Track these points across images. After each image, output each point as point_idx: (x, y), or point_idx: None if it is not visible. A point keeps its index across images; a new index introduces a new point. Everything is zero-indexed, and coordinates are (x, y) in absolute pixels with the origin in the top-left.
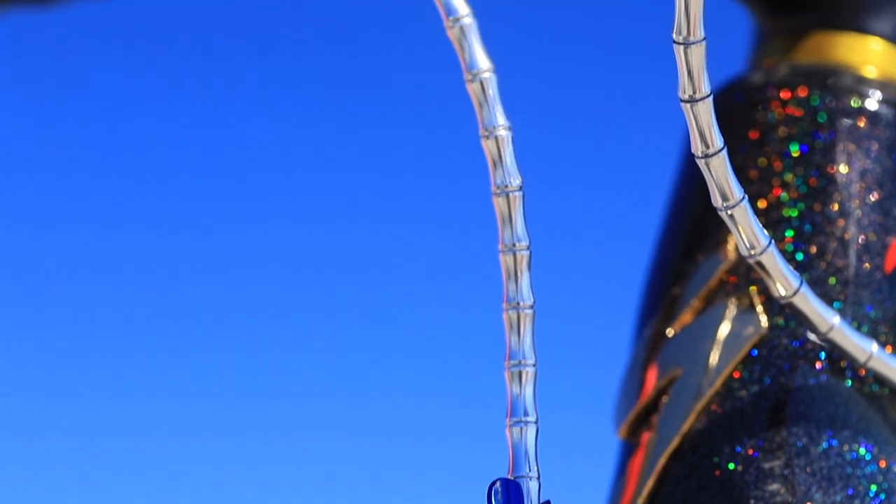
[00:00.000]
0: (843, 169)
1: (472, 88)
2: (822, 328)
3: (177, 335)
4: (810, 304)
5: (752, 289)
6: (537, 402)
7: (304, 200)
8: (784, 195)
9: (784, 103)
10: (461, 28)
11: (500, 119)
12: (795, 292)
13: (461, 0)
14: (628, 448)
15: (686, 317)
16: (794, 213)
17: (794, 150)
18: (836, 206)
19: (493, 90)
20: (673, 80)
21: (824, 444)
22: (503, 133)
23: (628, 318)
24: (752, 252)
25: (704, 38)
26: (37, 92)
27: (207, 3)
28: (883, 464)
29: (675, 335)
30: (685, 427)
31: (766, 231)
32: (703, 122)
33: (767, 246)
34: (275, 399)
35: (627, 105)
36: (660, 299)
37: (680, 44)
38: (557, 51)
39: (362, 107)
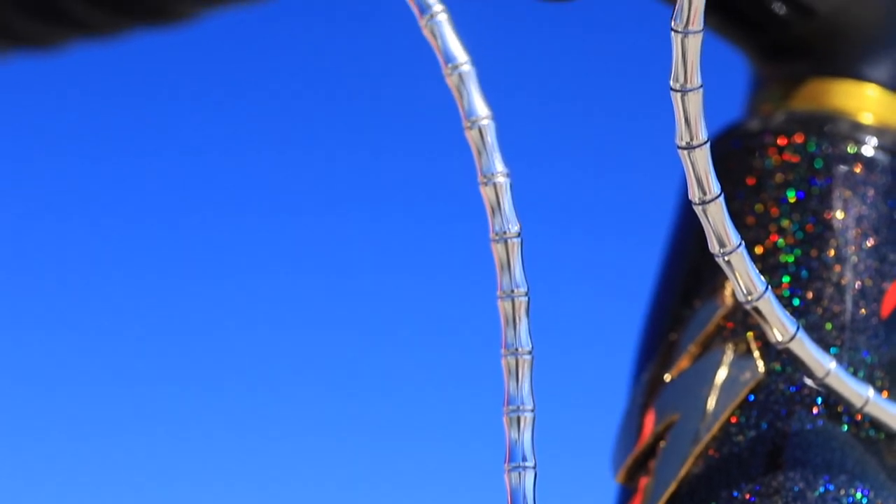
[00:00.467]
0: (839, 215)
1: (471, 135)
2: (819, 373)
3: (176, 336)
4: (807, 349)
5: (749, 334)
6: (536, 448)
7: (305, 243)
8: (781, 241)
9: (781, 150)
10: (460, 75)
11: (499, 166)
12: (792, 338)
13: (459, 47)
14: (626, 493)
15: (683, 362)
16: (791, 259)
17: (791, 197)
18: (832, 252)
19: (491, 137)
20: (670, 125)
21: (821, 489)
22: (501, 180)
23: (626, 364)
24: (749, 298)
25: (701, 86)
26: (38, 132)
27: (207, 47)
28: None
29: (672, 380)
30: (682, 472)
31: (762, 277)
32: (701, 169)
33: (764, 292)
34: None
35: (625, 151)
36: (657, 345)
37: (677, 91)
38: (556, 96)
39: (360, 150)
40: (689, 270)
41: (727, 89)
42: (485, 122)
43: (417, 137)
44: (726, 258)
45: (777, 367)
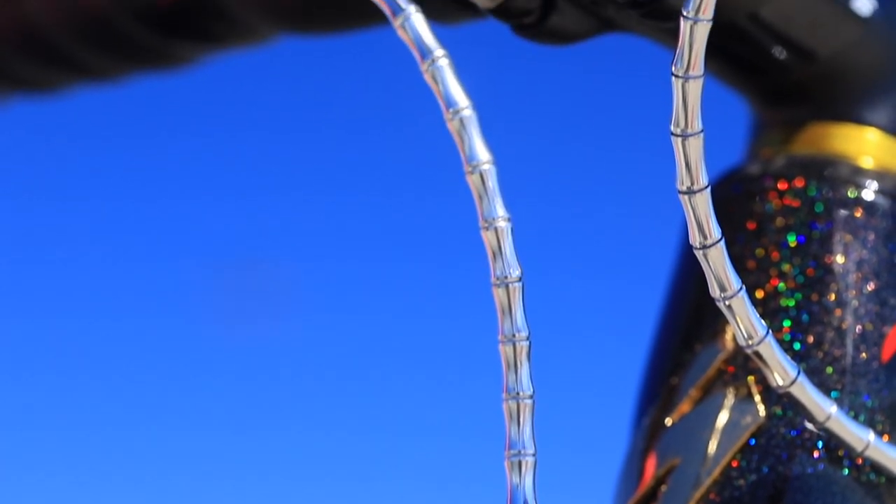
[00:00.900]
0: (839, 259)
1: (472, 180)
2: (820, 417)
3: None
4: (808, 393)
5: (750, 378)
6: (537, 492)
7: (309, 289)
8: (781, 285)
9: (781, 194)
10: (461, 120)
11: (500, 211)
12: (793, 382)
13: (461, 92)
14: None
15: (685, 406)
16: (792, 303)
17: (792, 241)
18: (833, 296)
19: (492, 182)
20: (671, 169)
21: None
22: (503, 224)
23: (627, 407)
24: (750, 342)
25: (702, 130)
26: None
27: (207, 101)
28: None
29: (673, 424)
30: None
31: (763, 321)
32: (701, 214)
33: (765, 336)
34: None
35: (626, 194)
36: (658, 388)
37: (678, 136)
38: (557, 138)
39: (360, 194)
40: (690, 314)
41: (728, 133)
42: (486, 166)
43: (418, 181)
44: (727, 302)
45: (778, 411)
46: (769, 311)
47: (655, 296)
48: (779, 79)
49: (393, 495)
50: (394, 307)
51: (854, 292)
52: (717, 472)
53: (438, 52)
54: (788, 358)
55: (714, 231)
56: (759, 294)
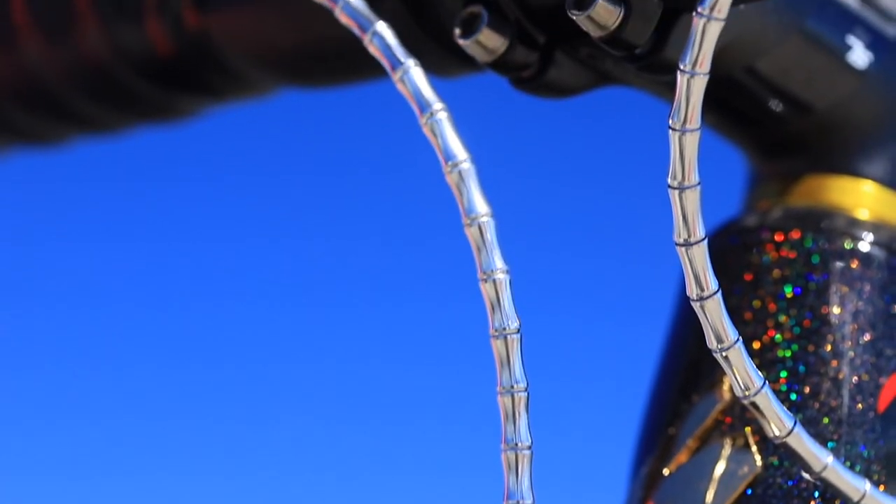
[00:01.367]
0: (836, 310)
1: (471, 233)
2: (816, 468)
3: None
4: (804, 443)
5: (747, 429)
6: None
7: (312, 339)
8: (778, 336)
9: (778, 246)
10: (459, 173)
11: (499, 263)
12: (789, 432)
13: (459, 145)
14: None
15: (682, 456)
16: (788, 354)
17: (788, 292)
18: (829, 347)
19: (491, 234)
20: (668, 220)
21: None
22: (501, 276)
23: (625, 457)
24: (747, 393)
25: (699, 183)
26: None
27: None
28: None
29: (671, 474)
30: None
31: (760, 372)
32: (698, 266)
33: (762, 387)
34: None
35: (623, 246)
36: (656, 439)
37: (675, 188)
38: (554, 190)
39: (357, 247)
40: (687, 365)
41: (724, 184)
42: (484, 219)
43: (417, 235)
44: (724, 354)
45: (775, 461)
46: (766, 361)
47: (653, 346)
48: (776, 131)
49: None
50: (392, 357)
51: (850, 343)
52: None
53: (437, 105)
54: (785, 408)
55: (711, 283)
56: (756, 345)
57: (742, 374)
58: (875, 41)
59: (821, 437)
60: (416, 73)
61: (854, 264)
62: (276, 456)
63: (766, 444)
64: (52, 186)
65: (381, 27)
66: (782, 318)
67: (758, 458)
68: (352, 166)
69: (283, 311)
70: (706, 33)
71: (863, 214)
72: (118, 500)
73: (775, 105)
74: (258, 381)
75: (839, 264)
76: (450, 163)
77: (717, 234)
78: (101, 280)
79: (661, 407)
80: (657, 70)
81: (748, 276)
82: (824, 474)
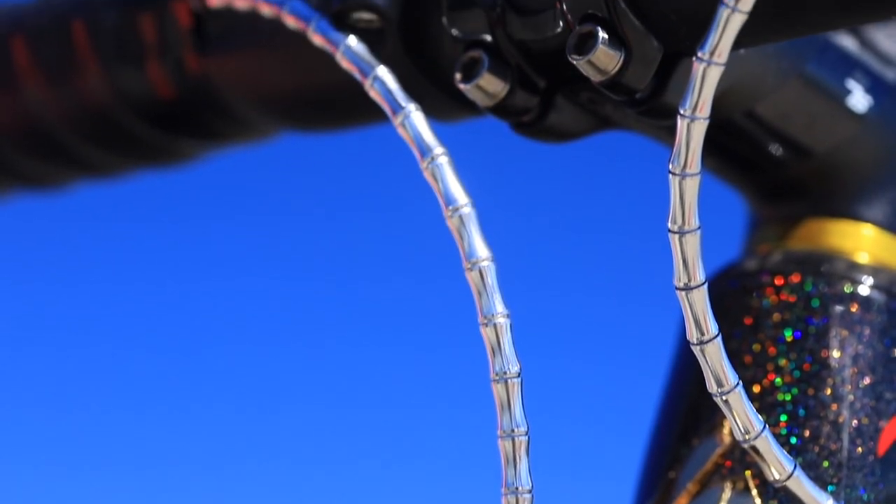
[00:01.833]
0: (836, 354)
1: (472, 277)
2: None
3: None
4: (804, 487)
5: (748, 472)
6: None
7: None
8: (778, 380)
9: (778, 289)
10: (460, 217)
11: (499, 307)
12: (789, 476)
13: (460, 189)
14: None
15: (682, 500)
16: (788, 398)
17: (788, 336)
18: (829, 391)
19: (491, 278)
20: (668, 264)
21: None
22: (502, 321)
23: (625, 501)
24: (747, 437)
25: (699, 227)
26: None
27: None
28: None
29: None
30: None
31: (760, 415)
32: (698, 310)
33: (762, 430)
34: None
35: (623, 290)
36: (656, 482)
37: (675, 233)
38: (555, 236)
39: (358, 292)
40: (687, 409)
41: (725, 228)
42: (485, 263)
43: (418, 277)
44: (724, 397)
45: None
46: (766, 405)
47: (653, 390)
48: (775, 175)
49: None
50: (393, 400)
51: (850, 387)
52: None
53: (438, 149)
54: (785, 452)
55: (711, 327)
56: (756, 389)
57: (742, 417)
58: (875, 85)
59: (821, 481)
60: (416, 118)
61: (854, 308)
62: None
63: (766, 487)
64: (51, 227)
65: (382, 72)
66: (782, 362)
67: (758, 501)
68: (352, 210)
69: (285, 350)
70: (706, 78)
71: (862, 258)
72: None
73: (775, 149)
74: (256, 440)
75: (839, 308)
76: (450, 207)
77: (717, 277)
78: (105, 317)
79: (662, 450)
80: (657, 114)
81: (748, 320)
82: None
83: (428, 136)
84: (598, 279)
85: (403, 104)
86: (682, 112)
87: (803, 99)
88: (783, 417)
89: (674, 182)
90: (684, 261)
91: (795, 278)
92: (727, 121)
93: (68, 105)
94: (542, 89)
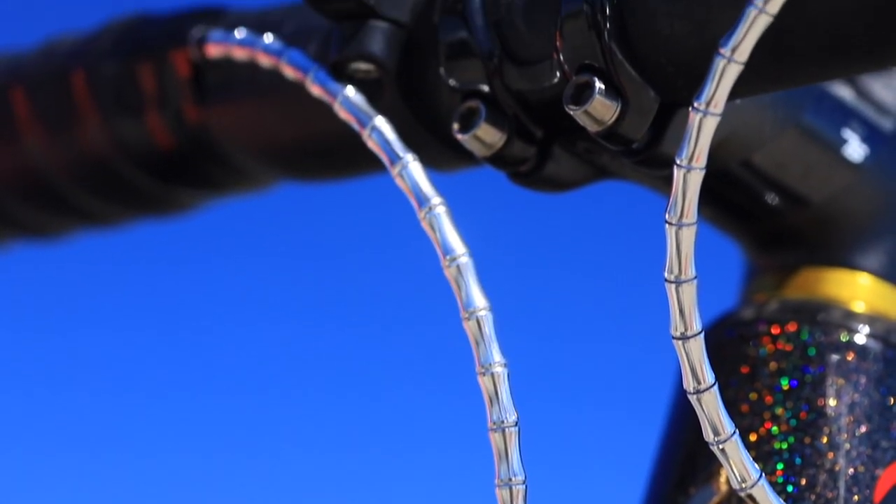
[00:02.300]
0: (832, 402)
1: (469, 326)
2: None
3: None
4: None
5: None
6: None
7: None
8: (775, 429)
9: (774, 338)
10: (458, 267)
11: (497, 356)
12: None
13: (458, 239)
14: None
15: None
16: (785, 447)
17: (785, 385)
18: (825, 440)
19: (489, 328)
20: (664, 313)
21: None
22: (499, 370)
23: None
24: (744, 485)
25: (696, 277)
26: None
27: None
28: None
29: None
30: None
31: (756, 464)
32: (695, 359)
33: (758, 479)
34: None
35: (619, 339)
36: None
37: (671, 282)
38: (552, 284)
39: (356, 341)
40: (684, 457)
41: (721, 277)
42: (482, 313)
43: (415, 326)
44: (721, 446)
45: None
46: (762, 454)
47: (650, 439)
48: (772, 224)
49: None
50: (393, 449)
51: (846, 435)
52: None
53: (436, 199)
54: (782, 501)
55: (708, 376)
56: (753, 437)
57: (739, 466)
58: (871, 135)
59: None
60: (414, 168)
61: (850, 357)
62: None
63: None
64: (52, 276)
65: (380, 122)
66: (779, 411)
67: None
68: (350, 261)
69: (285, 398)
70: (703, 128)
71: (859, 307)
72: None
73: (772, 199)
74: (255, 440)
75: (835, 357)
76: (448, 257)
77: (714, 326)
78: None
79: (659, 498)
80: (654, 164)
81: (745, 369)
82: None
83: (426, 186)
84: (596, 328)
85: (401, 154)
86: (678, 162)
87: (800, 148)
88: (780, 466)
89: (670, 232)
90: (681, 310)
91: (792, 327)
92: (724, 170)
93: (68, 155)
94: (540, 139)
